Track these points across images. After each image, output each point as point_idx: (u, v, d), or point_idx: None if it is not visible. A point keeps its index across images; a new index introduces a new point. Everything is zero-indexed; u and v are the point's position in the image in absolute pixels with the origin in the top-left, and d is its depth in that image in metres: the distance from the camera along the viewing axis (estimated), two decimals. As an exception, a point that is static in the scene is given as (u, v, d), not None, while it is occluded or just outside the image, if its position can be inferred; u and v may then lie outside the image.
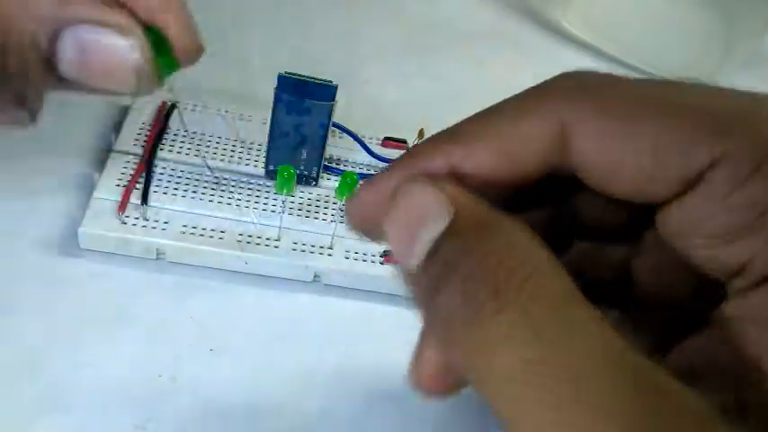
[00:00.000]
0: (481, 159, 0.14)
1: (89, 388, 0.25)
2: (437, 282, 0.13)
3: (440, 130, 0.16)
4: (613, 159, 0.14)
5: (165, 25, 0.19)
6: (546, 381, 0.11)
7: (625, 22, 0.48)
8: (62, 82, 0.17)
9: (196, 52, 0.21)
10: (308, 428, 0.26)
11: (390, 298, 0.30)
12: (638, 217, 0.16)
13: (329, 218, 0.31)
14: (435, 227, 0.13)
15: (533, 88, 0.15)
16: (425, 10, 0.49)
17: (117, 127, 0.32)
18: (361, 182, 0.16)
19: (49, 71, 0.17)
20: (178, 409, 0.25)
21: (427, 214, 0.13)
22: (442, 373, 0.15)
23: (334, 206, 0.31)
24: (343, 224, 0.31)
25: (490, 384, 0.12)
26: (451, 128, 0.15)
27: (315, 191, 0.32)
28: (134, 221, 0.28)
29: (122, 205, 0.28)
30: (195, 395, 0.25)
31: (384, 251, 0.30)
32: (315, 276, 0.30)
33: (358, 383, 0.27)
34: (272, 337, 0.28)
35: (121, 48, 0.17)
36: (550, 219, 0.17)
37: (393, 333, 0.29)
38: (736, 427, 0.12)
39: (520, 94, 0.15)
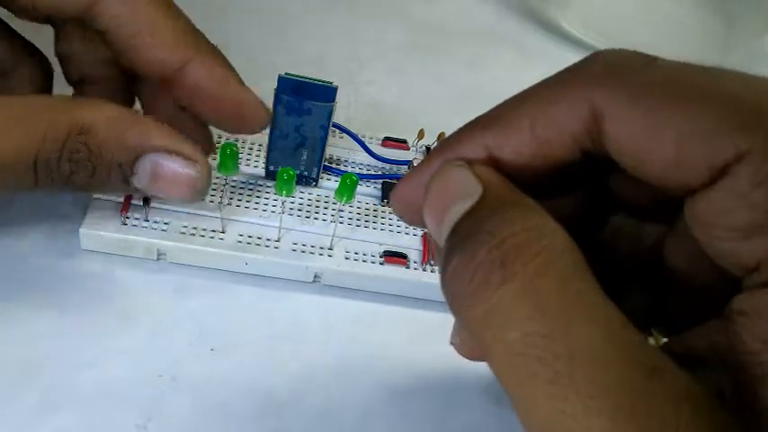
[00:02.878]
0: (517, 145, 0.15)
1: (89, 388, 0.25)
2: (450, 253, 0.13)
3: (440, 130, 0.16)
4: (642, 145, 0.14)
5: (242, 105, 0.26)
6: (544, 354, 0.12)
7: (624, 22, 0.48)
8: (134, 188, 0.23)
9: (267, 119, 0.27)
10: (309, 428, 0.26)
11: (390, 298, 0.30)
12: (673, 199, 0.16)
13: (329, 218, 0.31)
14: (464, 204, 0.14)
15: (566, 71, 0.15)
16: (425, 10, 0.49)
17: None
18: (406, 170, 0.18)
19: (126, 182, 0.22)
20: (179, 409, 0.25)
21: (457, 193, 0.14)
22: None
23: (334, 207, 0.31)
24: (343, 224, 0.31)
25: (494, 356, 0.13)
26: (487, 114, 0.16)
27: (315, 191, 0.32)
28: (134, 222, 0.28)
29: (125, 206, 0.28)
30: (196, 395, 0.25)
31: (384, 251, 0.30)
32: (315, 276, 0.30)
33: (358, 383, 0.27)
34: (272, 337, 0.28)
35: (185, 174, 0.22)
36: (588, 196, 0.18)
37: (393, 333, 0.29)
38: (730, 413, 0.12)
39: (552, 78, 0.15)
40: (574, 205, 0.18)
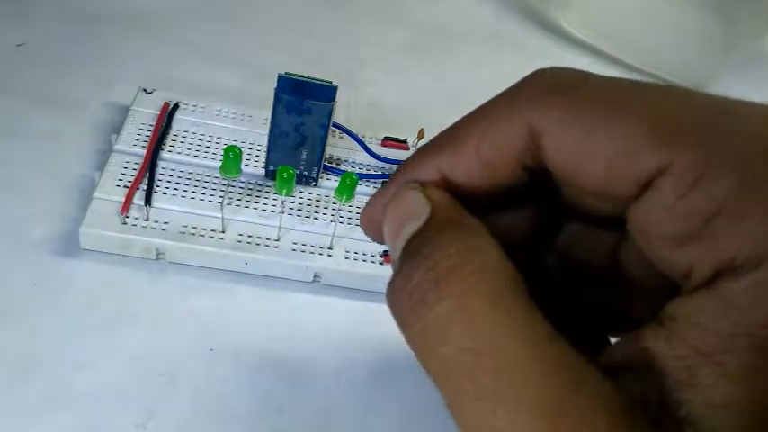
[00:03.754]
0: (465, 167, 0.16)
1: (89, 387, 0.25)
2: (394, 272, 0.15)
3: (440, 129, 0.16)
4: (576, 161, 0.14)
5: None
6: (473, 371, 0.12)
7: (624, 22, 0.48)
8: None
9: None
10: (308, 428, 0.26)
11: (390, 298, 0.30)
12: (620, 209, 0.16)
13: (329, 218, 0.31)
14: (414, 224, 0.15)
15: (507, 91, 0.16)
16: (425, 10, 0.49)
17: (117, 127, 0.32)
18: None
19: None
20: (179, 409, 0.25)
21: (409, 213, 0.15)
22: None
23: (334, 206, 0.31)
24: (343, 224, 0.31)
25: (431, 371, 0.14)
26: (440, 136, 0.17)
27: (315, 191, 0.32)
28: (134, 222, 0.28)
29: (125, 206, 0.28)
30: (196, 395, 0.25)
31: (384, 251, 0.30)
32: (315, 276, 0.30)
33: (358, 383, 0.27)
34: (272, 336, 0.28)
35: None
36: (542, 208, 0.18)
37: (393, 333, 0.29)
38: (652, 424, 0.12)
39: (496, 98, 0.16)
40: (528, 218, 0.18)
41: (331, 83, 0.29)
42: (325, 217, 0.31)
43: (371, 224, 0.18)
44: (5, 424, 0.23)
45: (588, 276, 0.19)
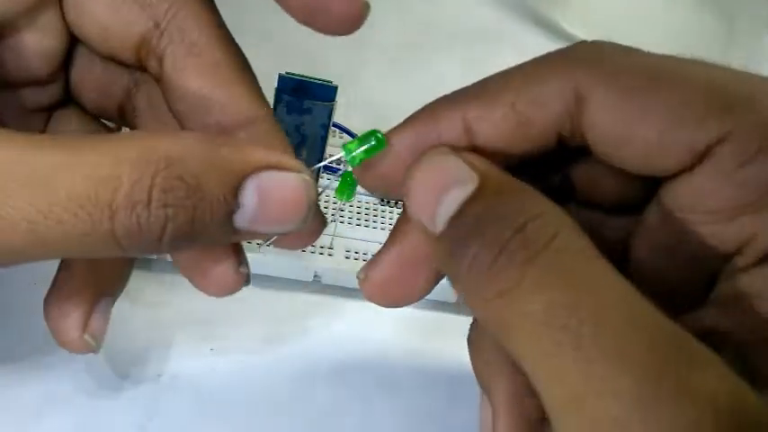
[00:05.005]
0: (497, 121, 0.15)
1: (90, 387, 0.25)
2: (466, 238, 0.14)
3: None
4: (625, 130, 0.14)
5: None
6: (570, 322, 0.12)
7: (624, 22, 0.48)
8: (234, 237, 0.17)
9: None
10: (309, 427, 0.26)
11: (390, 298, 0.30)
12: (640, 192, 0.16)
13: (329, 218, 0.31)
14: (461, 191, 0.14)
15: (551, 54, 0.15)
16: (426, 10, 0.49)
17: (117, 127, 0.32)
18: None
19: (229, 222, 0.16)
20: (179, 408, 0.25)
21: (450, 180, 0.14)
22: (395, 280, 0.16)
23: (334, 206, 0.31)
24: (343, 224, 0.31)
25: (516, 332, 0.13)
26: (468, 87, 0.16)
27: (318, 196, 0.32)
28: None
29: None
30: (196, 394, 0.25)
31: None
32: (315, 276, 0.30)
33: (358, 382, 0.27)
34: (272, 336, 0.28)
35: (298, 187, 0.17)
36: (550, 189, 0.18)
37: (393, 332, 0.29)
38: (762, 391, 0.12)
39: (538, 59, 0.15)
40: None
41: (331, 83, 0.29)
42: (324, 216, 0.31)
43: (383, 180, 0.17)
44: (6, 423, 0.23)
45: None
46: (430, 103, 0.16)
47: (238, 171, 0.16)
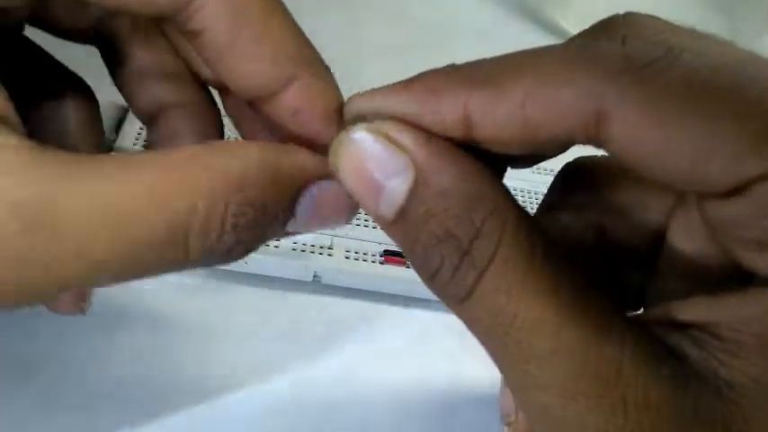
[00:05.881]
0: (501, 117, 0.14)
1: (89, 387, 0.25)
2: (420, 244, 0.14)
3: None
4: (652, 155, 0.13)
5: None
6: (509, 330, 0.14)
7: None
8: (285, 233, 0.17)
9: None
10: (308, 428, 0.25)
11: (390, 297, 0.30)
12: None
13: (329, 218, 0.31)
14: (401, 183, 0.14)
15: (575, 46, 0.14)
16: (426, 10, 0.49)
17: (117, 126, 0.32)
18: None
19: (282, 230, 0.17)
20: (178, 409, 0.25)
21: (387, 171, 0.14)
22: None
23: (335, 206, 0.31)
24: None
25: (474, 329, 0.15)
26: (475, 68, 0.15)
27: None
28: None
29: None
30: (195, 394, 0.25)
31: (384, 250, 0.30)
32: (315, 276, 0.30)
33: (358, 382, 0.27)
34: (271, 336, 0.28)
35: (344, 193, 0.16)
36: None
37: (393, 333, 0.29)
38: (679, 374, 0.13)
39: (559, 52, 0.14)
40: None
41: (331, 82, 0.29)
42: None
43: (370, 116, 0.15)
44: (5, 424, 0.23)
45: (624, 257, 0.18)
46: (432, 72, 0.15)
47: (296, 185, 0.16)
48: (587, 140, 0.14)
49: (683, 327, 0.14)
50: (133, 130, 0.32)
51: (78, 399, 0.24)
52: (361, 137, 0.15)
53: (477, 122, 0.14)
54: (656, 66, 0.13)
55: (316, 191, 0.16)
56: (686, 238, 0.17)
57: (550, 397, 0.13)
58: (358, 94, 0.16)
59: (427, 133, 0.15)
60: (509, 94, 0.14)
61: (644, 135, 0.13)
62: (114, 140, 0.31)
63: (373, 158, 0.15)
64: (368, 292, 0.30)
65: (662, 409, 0.13)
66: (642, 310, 0.18)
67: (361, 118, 0.15)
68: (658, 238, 0.17)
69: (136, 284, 0.28)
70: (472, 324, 0.14)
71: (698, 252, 0.16)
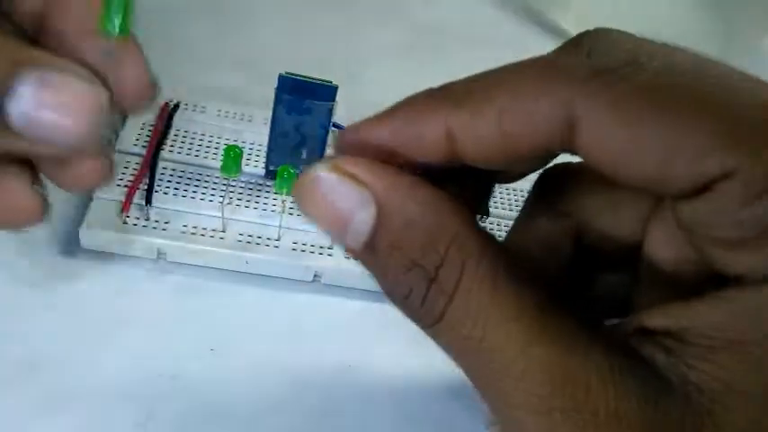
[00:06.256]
0: (481, 133, 0.15)
1: (89, 388, 0.25)
2: (388, 275, 0.15)
3: None
4: (621, 157, 0.13)
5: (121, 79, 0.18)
6: (479, 352, 0.14)
7: (623, 23, 0.48)
8: (15, 140, 0.16)
9: (151, 95, 0.21)
10: (308, 428, 0.26)
11: (390, 298, 0.30)
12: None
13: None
14: (364, 216, 0.15)
15: (544, 62, 0.15)
16: (426, 11, 0.49)
17: (117, 127, 0.32)
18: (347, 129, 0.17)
19: (2, 124, 0.16)
20: (178, 409, 0.25)
21: (350, 206, 0.15)
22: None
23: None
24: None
25: (450, 354, 0.15)
26: (453, 89, 0.15)
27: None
28: (135, 221, 0.28)
29: (126, 205, 0.28)
30: (196, 394, 0.25)
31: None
32: (315, 276, 0.30)
33: (358, 383, 0.27)
34: (272, 336, 0.28)
35: (85, 93, 0.16)
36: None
37: (392, 333, 0.29)
38: (651, 383, 0.13)
39: (528, 66, 0.15)
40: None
41: (331, 83, 0.29)
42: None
43: (358, 148, 0.16)
44: (5, 424, 0.23)
45: (603, 261, 0.18)
46: (412, 98, 0.16)
47: (19, 58, 0.15)
48: (563, 149, 0.14)
49: (654, 335, 0.14)
50: (134, 130, 0.32)
51: (78, 398, 0.24)
52: (321, 176, 0.15)
53: (459, 141, 0.15)
54: (621, 72, 0.13)
55: (45, 74, 0.15)
56: (663, 244, 0.17)
57: (525, 414, 0.14)
58: (347, 128, 0.17)
59: (389, 167, 0.15)
60: (486, 112, 0.14)
61: (612, 138, 0.13)
62: (115, 141, 0.31)
63: (336, 195, 0.15)
64: (368, 291, 0.30)
65: (632, 421, 0.13)
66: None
67: (349, 149, 0.16)
68: (636, 244, 0.18)
69: (136, 284, 0.28)
70: (446, 347, 0.15)
71: (675, 258, 0.17)
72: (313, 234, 0.30)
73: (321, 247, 0.30)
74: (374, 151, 0.16)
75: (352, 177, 0.15)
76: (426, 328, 0.15)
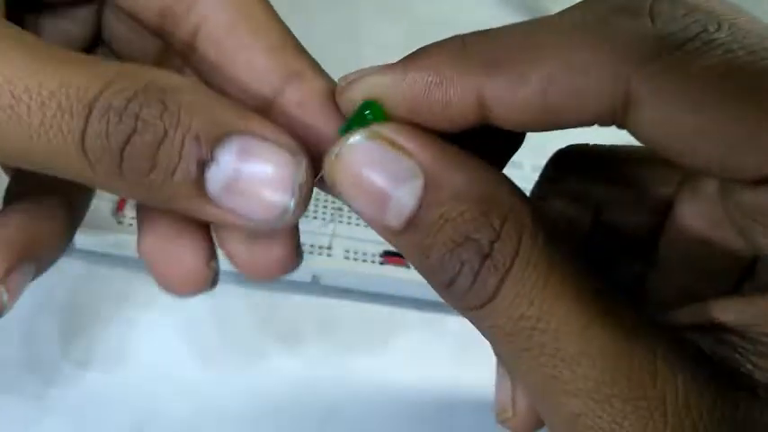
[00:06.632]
0: (519, 105, 0.13)
1: (87, 388, 0.24)
2: (434, 253, 0.13)
3: None
4: (683, 143, 0.13)
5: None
6: (532, 334, 0.13)
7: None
8: (206, 207, 0.15)
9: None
10: (309, 427, 0.25)
11: (389, 298, 0.30)
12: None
13: (328, 217, 0.31)
14: (409, 190, 0.13)
15: (600, 22, 0.13)
16: (426, 9, 0.49)
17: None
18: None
19: (199, 178, 0.14)
20: (176, 410, 0.25)
21: (395, 177, 0.13)
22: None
23: (333, 206, 0.31)
24: (342, 224, 0.30)
25: (491, 334, 0.14)
26: (488, 51, 0.14)
27: (313, 190, 0.32)
28: (130, 221, 0.28)
29: (121, 205, 0.28)
30: (193, 396, 0.25)
31: (384, 251, 0.30)
32: (313, 277, 0.29)
33: (357, 383, 0.27)
34: (270, 337, 0.28)
35: (285, 165, 0.15)
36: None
37: (392, 333, 0.29)
38: (712, 375, 0.13)
39: (578, 28, 0.13)
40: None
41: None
42: (324, 216, 0.31)
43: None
44: (4, 424, 0.23)
45: (623, 247, 0.18)
46: (430, 54, 0.14)
47: (224, 123, 0.14)
48: (611, 123, 0.13)
49: (713, 329, 0.14)
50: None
51: (76, 400, 0.24)
52: (360, 144, 0.14)
53: (494, 109, 0.13)
54: (689, 48, 0.12)
55: (246, 143, 0.14)
56: (689, 228, 0.16)
57: (582, 402, 0.13)
58: (349, 78, 0.15)
59: (431, 134, 0.14)
60: (529, 81, 0.13)
61: (677, 122, 0.12)
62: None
63: (376, 166, 0.14)
64: (367, 292, 0.30)
65: (703, 412, 0.12)
66: (645, 304, 0.18)
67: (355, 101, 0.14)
68: (656, 227, 0.17)
69: (131, 285, 0.28)
70: (492, 330, 0.14)
71: (701, 242, 0.16)
72: (312, 234, 0.30)
73: (320, 248, 0.29)
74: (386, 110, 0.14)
75: (396, 145, 0.14)
76: (473, 311, 0.14)
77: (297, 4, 0.46)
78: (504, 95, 0.13)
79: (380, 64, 0.16)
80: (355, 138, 0.14)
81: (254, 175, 0.15)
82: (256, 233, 0.17)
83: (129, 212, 0.28)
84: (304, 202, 0.15)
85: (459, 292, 0.14)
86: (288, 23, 0.19)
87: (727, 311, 0.13)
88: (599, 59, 0.12)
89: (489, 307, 0.13)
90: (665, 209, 0.17)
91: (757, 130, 0.12)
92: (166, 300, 0.28)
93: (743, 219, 0.14)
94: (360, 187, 0.14)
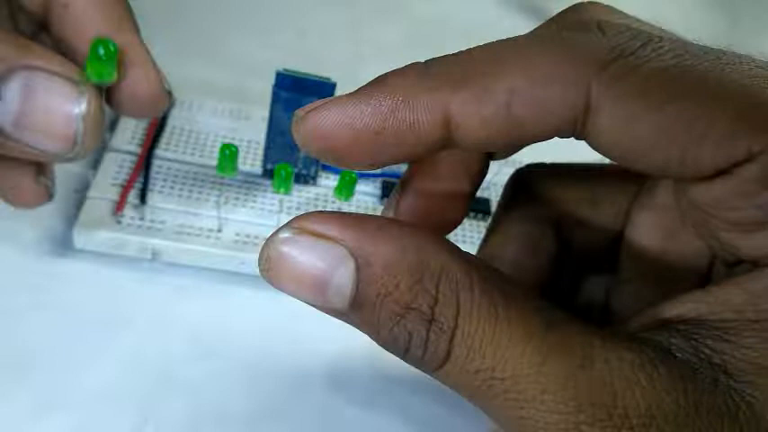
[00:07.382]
0: (484, 119, 0.13)
1: (86, 389, 0.24)
2: (383, 329, 0.14)
3: None
4: (640, 145, 0.13)
5: (135, 80, 0.19)
6: (493, 383, 0.14)
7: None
8: (6, 143, 0.16)
9: (163, 101, 0.21)
10: (307, 428, 0.25)
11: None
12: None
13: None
14: (344, 273, 0.14)
15: (556, 37, 0.14)
16: (426, 8, 0.49)
17: (112, 125, 0.32)
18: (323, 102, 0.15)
19: None
20: (175, 410, 0.24)
21: (329, 260, 0.14)
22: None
23: (333, 206, 0.31)
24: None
25: (461, 393, 0.14)
26: (451, 63, 0.14)
27: (313, 190, 0.32)
28: (129, 221, 0.28)
29: (120, 205, 0.28)
30: (192, 396, 0.25)
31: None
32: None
33: (357, 384, 0.27)
34: (269, 337, 0.27)
35: (71, 99, 0.16)
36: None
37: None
38: (677, 375, 0.13)
39: (540, 42, 0.14)
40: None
41: (330, 79, 0.29)
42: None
43: (326, 141, 0.14)
44: (4, 425, 0.23)
45: (589, 263, 0.18)
46: (394, 78, 0.14)
47: (6, 59, 0.15)
48: (572, 134, 0.14)
49: (669, 325, 0.14)
50: (128, 128, 0.32)
51: (74, 400, 0.24)
52: (287, 244, 0.14)
53: (460, 126, 0.14)
54: (641, 54, 0.13)
55: (31, 79, 0.15)
56: (646, 233, 0.17)
57: None
58: (308, 108, 0.15)
59: (345, 214, 0.14)
60: (494, 93, 0.13)
61: (636, 123, 0.13)
62: (109, 139, 0.31)
63: (309, 258, 0.14)
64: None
65: (666, 416, 0.13)
66: (611, 321, 0.18)
67: (315, 139, 0.15)
68: (615, 240, 0.18)
69: (130, 284, 0.27)
70: (456, 386, 0.14)
71: (658, 247, 0.17)
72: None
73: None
74: (348, 139, 0.14)
75: (321, 236, 0.14)
76: (434, 372, 0.14)
77: (297, 3, 0.46)
78: (469, 110, 0.13)
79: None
80: (284, 235, 0.14)
81: (37, 109, 0.16)
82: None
83: (129, 212, 0.28)
84: (92, 132, 0.16)
85: (416, 359, 0.14)
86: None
87: (684, 305, 0.14)
88: (559, 70, 0.13)
89: (446, 368, 0.14)
90: (623, 223, 0.17)
91: (711, 124, 0.12)
92: (166, 300, 0.28)
93: (701, 216, 0.14)
94: (300, 281, 0.14)
